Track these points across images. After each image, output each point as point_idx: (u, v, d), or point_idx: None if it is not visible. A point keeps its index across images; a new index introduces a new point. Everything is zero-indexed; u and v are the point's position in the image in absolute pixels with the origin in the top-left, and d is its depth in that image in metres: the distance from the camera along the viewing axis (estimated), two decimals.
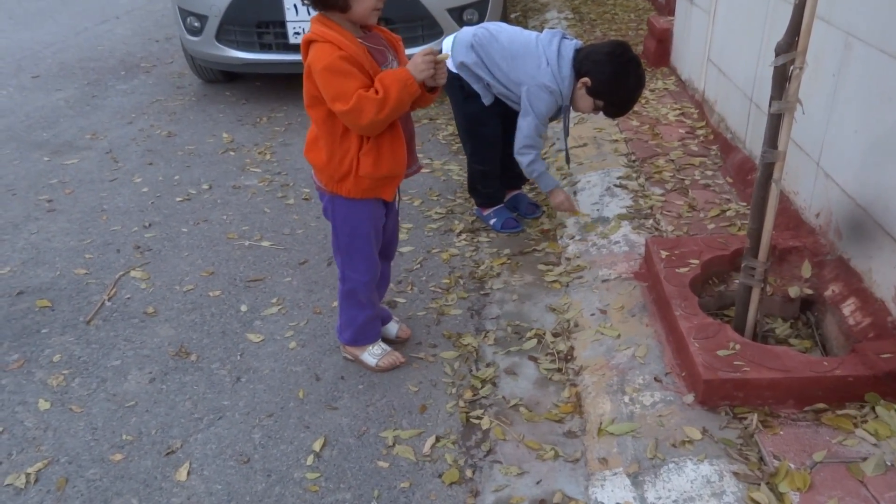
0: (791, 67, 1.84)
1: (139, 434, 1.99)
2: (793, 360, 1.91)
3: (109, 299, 2.60)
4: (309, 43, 1.84)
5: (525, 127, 2.62)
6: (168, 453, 1.93)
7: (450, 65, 2.72)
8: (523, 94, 2.58)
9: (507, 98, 2.70)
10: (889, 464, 1.65)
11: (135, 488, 1.82)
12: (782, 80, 1.87)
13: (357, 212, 2.02)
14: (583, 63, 2.57)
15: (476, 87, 2.71)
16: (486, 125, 2.77)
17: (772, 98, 1.90)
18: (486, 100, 2.73)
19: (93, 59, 5.61)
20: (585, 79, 2.56)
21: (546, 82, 2.54)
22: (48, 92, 4.86)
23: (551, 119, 2.71)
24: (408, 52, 2.05)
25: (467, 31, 2.74)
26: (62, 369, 2.25)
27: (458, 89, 2.77)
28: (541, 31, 2.71)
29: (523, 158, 2.68)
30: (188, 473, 1.86)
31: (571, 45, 2.62)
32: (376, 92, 1.80)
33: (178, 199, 3.37)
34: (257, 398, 2.13)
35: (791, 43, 1.83)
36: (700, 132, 3.59)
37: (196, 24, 4.43)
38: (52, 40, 6.13)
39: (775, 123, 1.92)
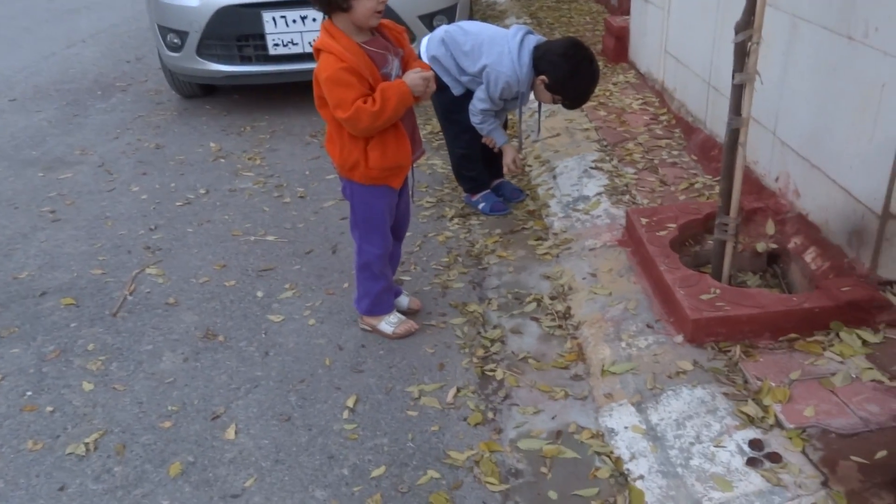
0: (749, 43, 2.12)
1: (183, 404, 2.16)
2: (766, 298, 2.17)
3: (130, 294, 2.75)
4: (318, 51, 2.06)
5: (476, 97, 2.91)
6: (214, 418, 2.10)
7: (424, 58, 2.98)
8: (483, 72, 2.83)
9: (473, 87, 2.95)
10: (854, 376, 1.91)
11: (188, 448, 1.99)
12: (742, 54, 2.15)
13: (372, 193, 2.23)
14: (540, 62, 2.81)
15: (446, 79, 2.96)
16: (461, 112, 3.02)
17: (734, 71, 2.17)
18: (456, 91, 2.99)
19: (66, 82, 5.70)
20: (543, 77, 2.80)
21: (504, 70, 2.79)
22: (28, 113, 4.95)
23: (509, 101, 2.96)
24: None
25: (441, 28, 3.01)
26: (98, 356, 2.40)
27: None
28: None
29: (474, 119, 2.97)
30: (236, 433, 2.03)
31: (534, 39, 2.87)
32: (374, 102, 2.02)
33: (178, 203, 3.52)
34: (287, 368, 2.31)
35: (748, 21, 2.11)
36: (663, 118, 3.89)
37: (176, 41, 4.58)
38: (22, 66, 6.19)
39: (738, 94, 2.19)
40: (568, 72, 2.77)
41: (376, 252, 2.31)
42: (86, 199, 3.60)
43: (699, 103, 3.54)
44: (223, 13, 4.40)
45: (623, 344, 2.22)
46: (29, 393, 2.23)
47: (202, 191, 3.66)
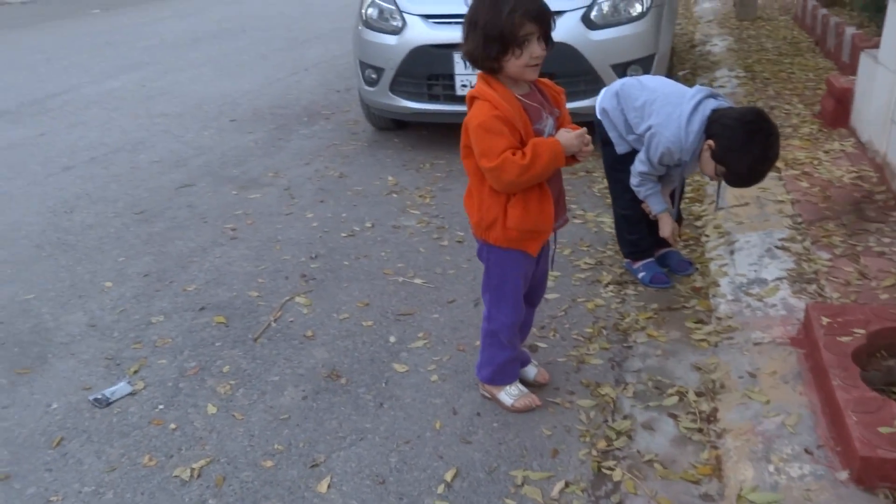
0: None
1: (289, 445, 2.16)
2: None
3: (275, 321, 2.85)
4: (472, 99, 1.98)
5: (637, 158, 2.69)
6: (312, 466, 2.07)
7: (597, 109, 2.84)
8: (647, 133, 2.60)
9: (638, 147, 2.71)
10: None
11: (280, 494, 1.97)
12: None
13: (509, 259, 2.10)
14: (712, 125, 2.49)
15: (612, 134, 2.78)
16: (624, 171, 2.79)
17: None
18: (620, 148, 2.79)
19: (281, 107, 6.19)
20: (710, 141, 2.49)
21: (668, 134, 2.53)
22: (242, 134, 5.43)
23: (672, 167, 2.69)
24: (570, 105, 2.14)
25: (620, 80, 2.83)
26: (230, 379, 2.49)
27: (598, 135, 2.85)
28: (711, 89, 2.69)
29: (632, 180, 2.75)
30: (328, 487, 1.99)
31: (713, 104, 2.55)
32: (523, 155, 1.89)
33: (343, 234, 3.63)
34: (397, 424, 2.24)
35: None
36: (879, 197, 3.36)
37: (373, 76, 4.79)
38: (249, 89, 6.84)
39: None
40: (739, 140, 2.41)
41: (506, 321, 2.17)
42: (264, 221, 3.83)
43: None
44: (417, 52, 4.53)
45: (771, 468, 1.88)
46: (161, 406, 2.36)
47: (368, 224, 3.74)
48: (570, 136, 1.95)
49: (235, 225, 3.78)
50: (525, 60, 1.87)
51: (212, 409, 2.33)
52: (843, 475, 1.80)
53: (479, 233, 2.10)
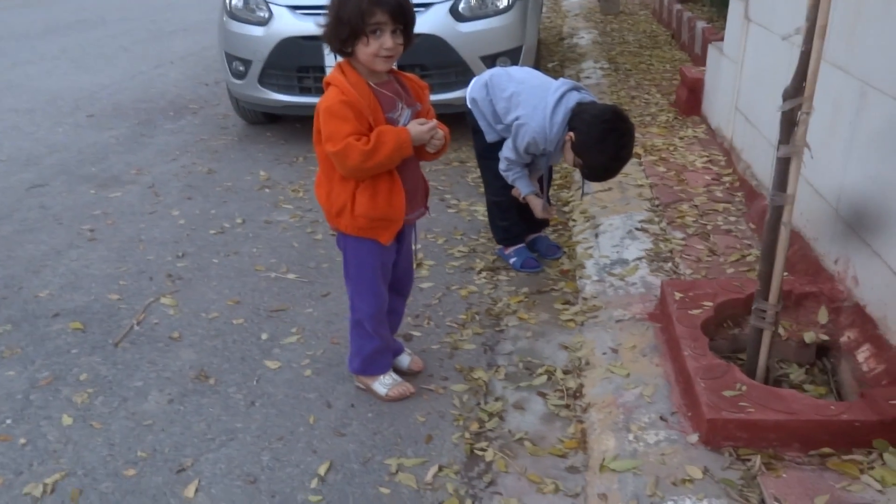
0: (798, 112, 1.88)
1: (153, 451, 2.06)
2: (799, 402, 1.89)
3: (138, 324, 2.71)
4: (327, 84, 1.96)
5: (505, 145, 2.78)
6: (179, 471, 1.99)
7: (466, 99, 2.89)
8: (514, 123, 2.67)
9: (507, 136, 2.79)
10: None
11: (144, 502, 1.88)
12: (790, 124, 1.91)
13: (363, 247, 2.09)
14: (574, 118, 2.59)
15: (481, 123, 2.84)
16: (494, 159, 2.86)
17: (780, 142, 1.93)
18: (489, 137, 2.86)
19: (145, 101, 5.90)
20: (572, 134, 2.59)
21: (533, 125, 2.61)
22: (101, 130, 5.12)
23: (538, 156, 2.79)
24: (442, 97, 2.13)
25: (488, 71, 2.88)
26: (87, 388, 2.34)
27: (468, 124, 2.92)
28: (578, 81, 2.80)
29: (500, 165, 2.84)
30: (196, 491, 1.91)
31: (577, 96, 2.65)
32: (367, 141, 1.89)
33: (213, 231, 3.50)
34: (269, 422, 2.18)
35: (798, 88, 1.87)
36: (726, 179, 3.61)
37: (241, 69, 4.64)
38: (109, 83, 6.46)
39: (783, 167, 1.95)
40: (595, 138, 2.52)
41: (368, 310, 2.16)
42: (126, 220, 3.63)
43: (765, 167, 3.25)
44: (285, 44, 4.43)
45: (630, 436, 1.99)
46: (8, 421, 2.19)
47: (239, 220, 3.63)
48: (419, 128, 1.96)
49: (94, 226, 3.56)
50: (374, 50, 1.86)
51: (67, 420, 2.19)
52: (694, 438, 1.92)
53: (330, 220, 2.09)
